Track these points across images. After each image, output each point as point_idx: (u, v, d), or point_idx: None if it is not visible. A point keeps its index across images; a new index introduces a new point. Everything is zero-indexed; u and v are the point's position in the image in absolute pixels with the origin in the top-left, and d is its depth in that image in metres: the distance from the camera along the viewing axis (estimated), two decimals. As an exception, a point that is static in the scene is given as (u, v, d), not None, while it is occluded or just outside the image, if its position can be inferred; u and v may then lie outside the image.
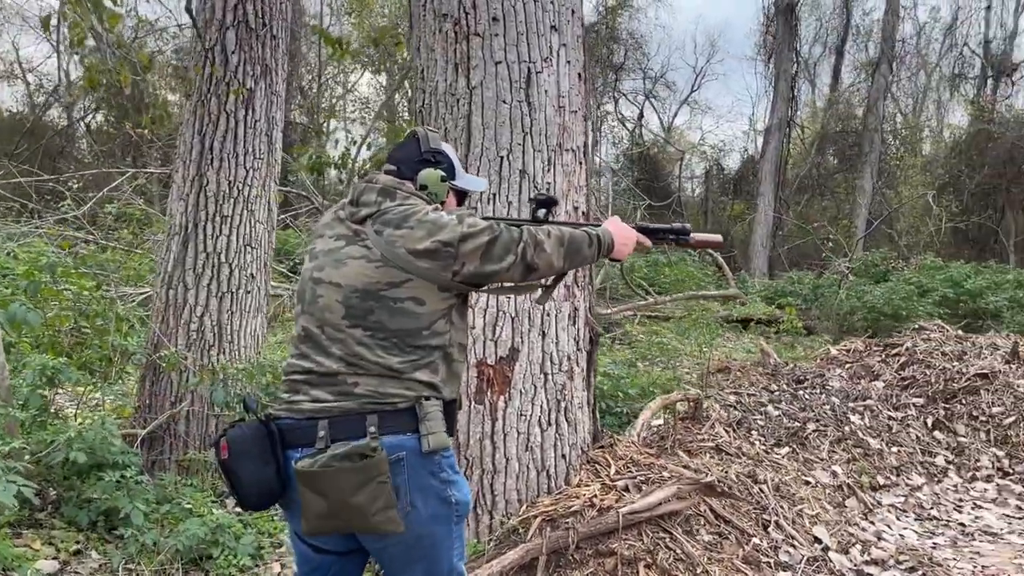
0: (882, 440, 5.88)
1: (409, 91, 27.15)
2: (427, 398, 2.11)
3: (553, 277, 2.43)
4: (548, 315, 3.42)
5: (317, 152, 5.12)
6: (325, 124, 27.41)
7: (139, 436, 4.58)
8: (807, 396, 6.18)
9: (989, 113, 28.78)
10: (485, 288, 2.34)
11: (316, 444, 2.07)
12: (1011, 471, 5.74)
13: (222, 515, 3.81)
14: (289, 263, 11.71)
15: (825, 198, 30.08)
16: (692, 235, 2.50)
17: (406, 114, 26.82)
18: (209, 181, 5.01)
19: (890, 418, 6.15)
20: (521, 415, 3.37)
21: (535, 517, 3.22)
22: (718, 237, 2.57)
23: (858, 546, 4.08)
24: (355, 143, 20.79)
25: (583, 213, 3.60)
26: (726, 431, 5.33)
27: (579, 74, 3.55)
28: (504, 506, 3.35)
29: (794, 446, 5.53)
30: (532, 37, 3.38)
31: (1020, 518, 5.23)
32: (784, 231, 27.98)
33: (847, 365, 6.97)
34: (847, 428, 5.88)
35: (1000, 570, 4.33)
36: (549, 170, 3.42)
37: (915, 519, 5.11)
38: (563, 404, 3.44)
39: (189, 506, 3.89)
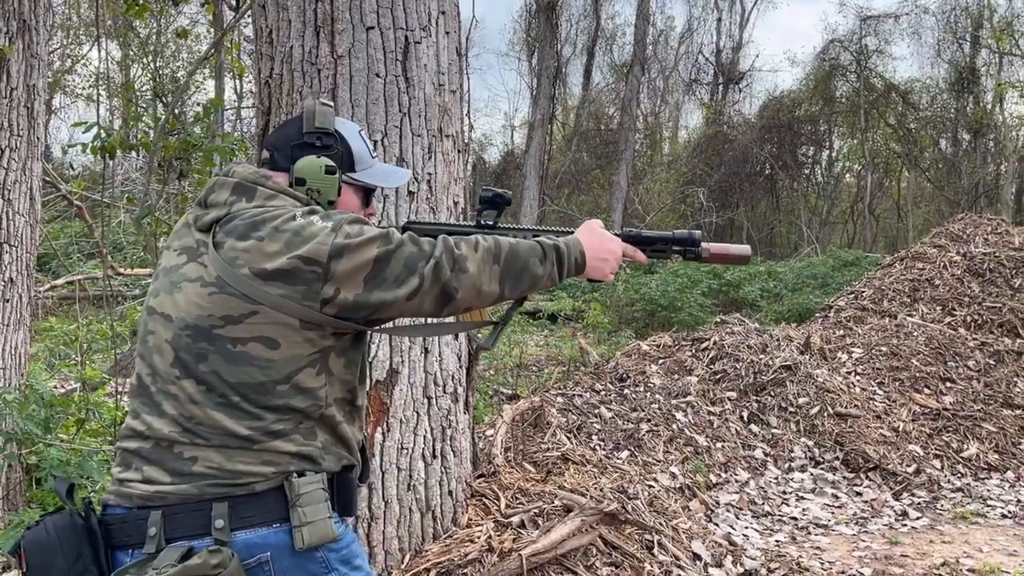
0: (707, 436, 5.89)
1: (151, 65, 24.96)
2: (300, 473, 1.58)
3: (500, 307, 1.82)
4: (430, 328, 2.92)
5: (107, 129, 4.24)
6: (49, 99, 24.55)
7: None
8: (633, 395, 6.07)
9: (721, 116, 31.24)
10: (382, 327, 1.72)
11: (145, 546, 1.51)
12: (821, 460, 5.94)
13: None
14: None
15: (583, 193, 31.28)
16: (704, 245, 1.93)
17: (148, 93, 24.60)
18: (-49, 163, 4.00)
19: (710, 413, 6.18)
20: (402, 448, 2.85)
21: (426, 570, 2.72)
22: (744, 249, 1.96)
23: (729, 557, 3.93)
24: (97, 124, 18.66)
25: (462, 210, 3.13)
26: (568, 438, 5.07)
27: (456, 49, 3.07)
28: (384, 558, 2.81)
29: (632, 449, 5.38)
30: (410, 3, 2.85)
31: (839, 507, 5.39)
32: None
33: (660, 361, 6.97)
34: (675, 426, 5.83)
35: (846, 565, 4.38)
36: (430, 158, 2.91)
37: (752, 517, 5.11)
38: (448, 432, 2.96)
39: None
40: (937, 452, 6.14)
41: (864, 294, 8.91)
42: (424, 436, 2.90)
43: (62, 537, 1.52)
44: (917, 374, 6.96)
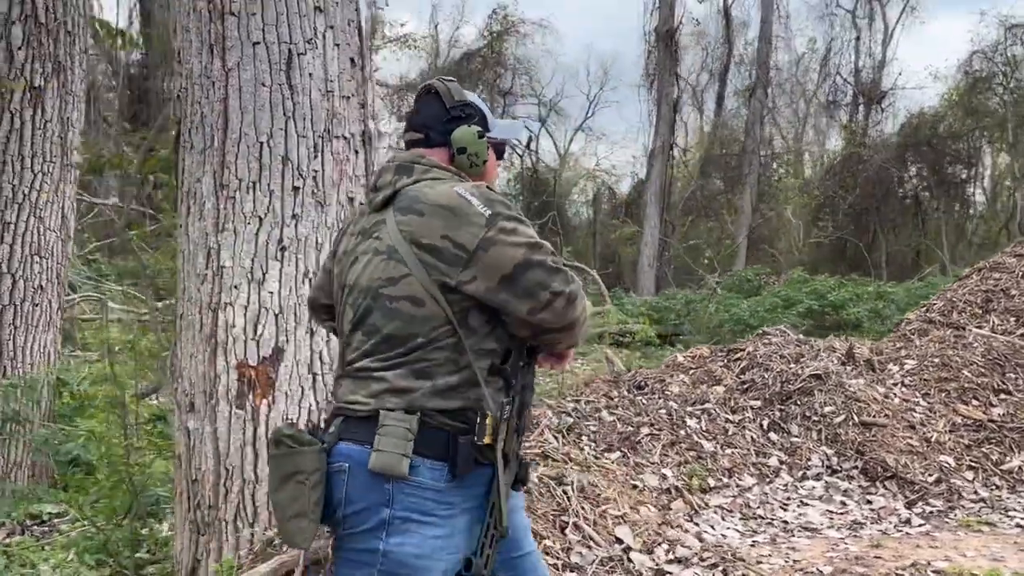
0: (717, 443, 5.87)
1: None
2: (391, 409, 1.76)
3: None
4: (316, 310, 3.22)
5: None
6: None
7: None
8: (645, 401, 6.13)
9: (860, 137, 30.12)
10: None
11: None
12: (839, 468, 5.79)
13: None
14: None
15: (711, 219, 30.87)
16: None
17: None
18: (-13, 185, 4.66)
19: (727, 421, 6.15)
20: (287, 419, 3.15)
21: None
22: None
23: (664, 545, 3.99)
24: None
25: (361, 204, 3.43)
26: (555, 437, 5.22)
27: (352, 59, 3.38)
28: (267, 518, 3.11)
29: (625, 450, 5.45)
30: (293, 18, 3.19)
31: (843, 513, 5.27)
32: (670, 252, 28.55)
33: (691, 371, 6.97)
34: (682, 432, 5.84)
35: (810, 563, 4.31)
36: (316, 157, 3.23)
37: (740, 519, 5.08)
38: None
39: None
40: (972, 463, 5.87)
41: (935, 306, 8.53)
42: (308, 409, 3.19)
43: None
44: (967, 385, 6.65)
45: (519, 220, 1.79)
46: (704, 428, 5.98)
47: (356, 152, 3.38)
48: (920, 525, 5.01)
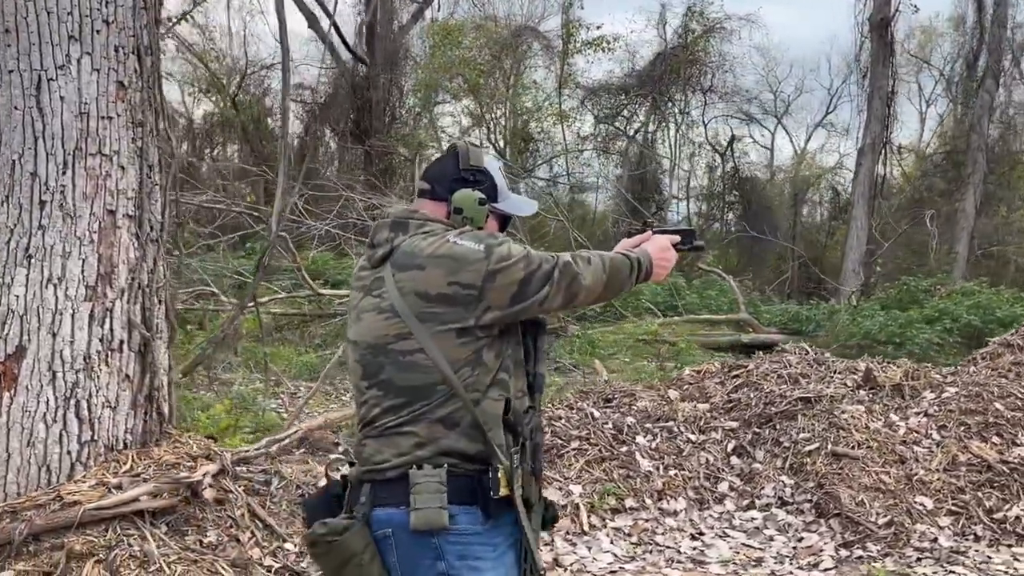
0: (662, 463, 5.56)
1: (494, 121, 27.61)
2: (419, 465, 1.84)
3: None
4: (61, 314, 3.52)
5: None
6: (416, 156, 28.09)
7: None
8: (598, 415, 5.92)
9: None
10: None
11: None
12: (791, 500, 5.29)
13: None
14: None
15: (929, 223, 28.22)
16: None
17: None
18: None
19: (688, 441, 5.80)
20: (26, 411, 3.47)
21: (10, 510, 3.31)
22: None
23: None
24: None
25: (129, 216, 3.69)
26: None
27: (121, 82, 3.66)
28: (3, 499, 3.45)
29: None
30: (45, 47, 3.52)
31: (760, 547, 4.84)
32: (880, 256, 26.48)
33: (686, 387, 6.60)
34: (624, 449, 5.59)
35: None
36: (65, 172, 3.54)
37: (632, 544, 4.82)
38: (74, 402, 3.52)
39: None
40: (957, 508, 5.14)
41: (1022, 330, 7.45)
42: (47, 403, 3.49)
43: (322, 503, 2.00)
44: (993, 419, 5.80)
45: (507, 242, 1.94)
46: (654, 447, 5.69)
47: (122, 167, 3.64)
48: (827, 569, 4.49)
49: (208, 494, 3.33)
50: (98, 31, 3.62)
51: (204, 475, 3.38)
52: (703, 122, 29.74)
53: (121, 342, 3.64)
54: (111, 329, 3.63)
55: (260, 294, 12.23)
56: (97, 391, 3.57)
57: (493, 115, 27.34)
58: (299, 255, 10.60)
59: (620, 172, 27.70)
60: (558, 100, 25.68)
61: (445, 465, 1.82)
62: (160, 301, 3.83)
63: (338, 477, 2.00)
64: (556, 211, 18.43)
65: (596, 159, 28.56)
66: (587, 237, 22.92)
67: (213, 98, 25.17)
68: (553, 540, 4.65)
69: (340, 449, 5.81)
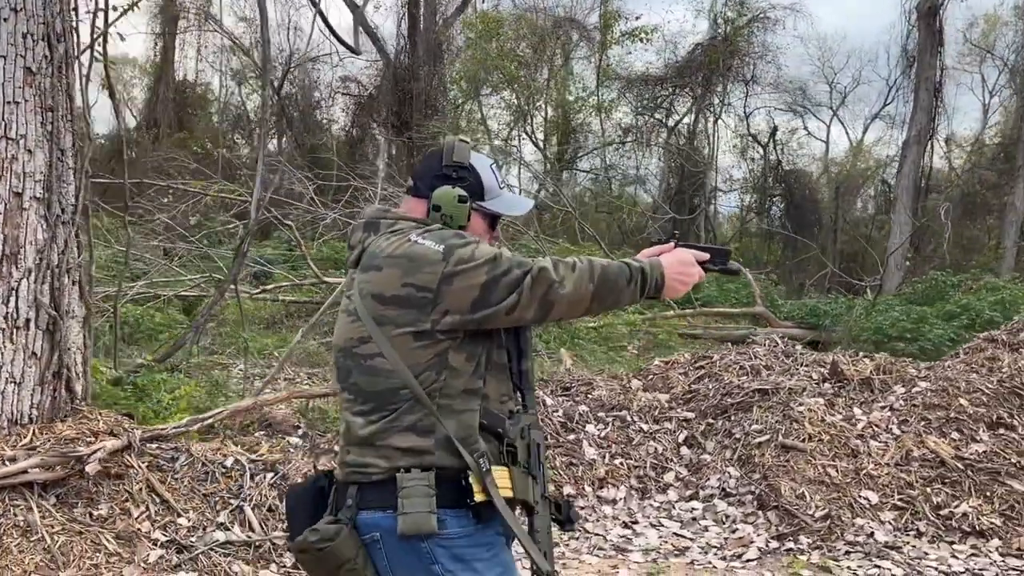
0: (608, 452, 5.56)
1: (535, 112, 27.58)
2: (407, 469, 1.78)
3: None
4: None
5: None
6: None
7: None
8: (551, 402, 5.94)
9: None
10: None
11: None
12: (734, 492, 5.25)
13: None
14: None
15: (979, 218, 27.46)
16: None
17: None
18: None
19: (640, 431, 5.78)
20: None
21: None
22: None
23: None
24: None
25: (37, 198, 3.81)
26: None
27: (29, 68, 3.79)
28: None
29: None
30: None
31: (692, 537, 4.82)
32: (926, 251, 25.84)
33: (650, 377, 6.57)
34: (571, 437, 5.61)
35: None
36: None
37: (557, 531, 4.82)
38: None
39: None
40: (902, 503, 5.05)
41: (1016, 326, 7.22)
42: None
43: (306, 495, 1.94)
44: (955, 415, 5.66)
45: (475, 243, 1.83)
46: (603, 435, 5.69)
47: (30, 151, 3.78)
48: (748, 560, 4.46)
49: (91, 468, 3.43)
50: (5, 19, 3.76)
51: (97, 451, 3.48)
52: (745, 114, 29.32)
53: (28, 320, 3.79)
54: (16, 307, 3.77)
55: (273, 282, 12.50)
56: (1, 367, 3.71)
57: (533, 107, 27.33)
58: (305, 244, 10.78)
59: (661, 164, 27.50)
60: (597, 92, 25.57)
61: (433, 468, 1.77)
62: (74, 282, 3.96)
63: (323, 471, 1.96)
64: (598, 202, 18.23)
65: (635, 151, 28.32)
66: (634, 230, 22.83)
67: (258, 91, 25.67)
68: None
69: (299, 432, 5.91)
